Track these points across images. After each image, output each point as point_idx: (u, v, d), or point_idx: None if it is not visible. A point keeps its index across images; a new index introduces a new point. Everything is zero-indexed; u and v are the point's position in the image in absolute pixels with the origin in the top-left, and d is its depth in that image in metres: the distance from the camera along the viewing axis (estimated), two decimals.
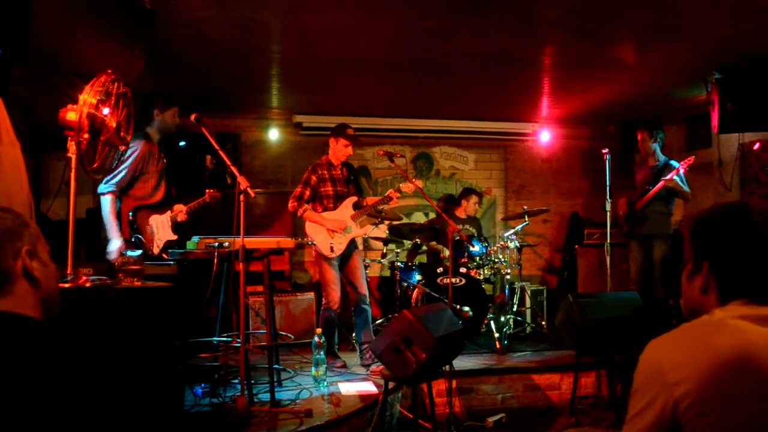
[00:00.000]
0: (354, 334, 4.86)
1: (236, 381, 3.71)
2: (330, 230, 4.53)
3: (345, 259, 4.65)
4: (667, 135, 5.79)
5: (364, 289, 4.68)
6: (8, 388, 1.06)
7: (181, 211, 4.05)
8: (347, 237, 4.58)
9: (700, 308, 1.25)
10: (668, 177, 5.09)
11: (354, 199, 4.70)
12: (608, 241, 5.17)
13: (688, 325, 1.20)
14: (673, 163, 5.27)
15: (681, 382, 1.09)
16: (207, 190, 4.06)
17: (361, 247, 5.85)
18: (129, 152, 3.69)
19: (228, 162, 3.53)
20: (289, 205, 4.58)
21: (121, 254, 2.71)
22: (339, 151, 4.65)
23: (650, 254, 5.39)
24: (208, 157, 6.64)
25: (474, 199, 6.43)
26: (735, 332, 1.13)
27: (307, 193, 4.58)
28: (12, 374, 1.07)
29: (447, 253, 5.83)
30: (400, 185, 4.65)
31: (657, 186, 5.19)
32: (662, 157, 5.45)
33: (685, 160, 5.12)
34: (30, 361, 1.11)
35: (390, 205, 4.73)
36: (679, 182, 5.13)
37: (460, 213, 6.41)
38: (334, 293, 4.52)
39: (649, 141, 5.43)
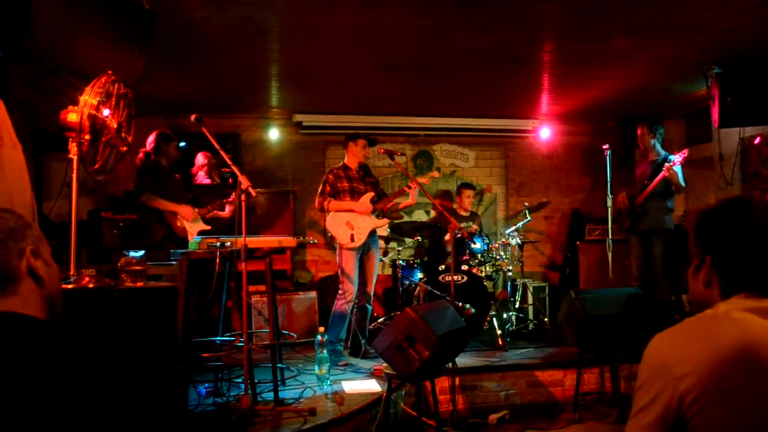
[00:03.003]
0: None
1: (240, 380, 3.71)
2: (349, 222, 4.76)
3: (364, 254, 4.88)
4: (667, 130, 5.79)
5: (371, 290, 4.94)
6: (14, 388, 1.06)
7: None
8: (366, 228, 4.80)
9: (705, 302, 1.25)
10: (666, 166, 5.11)
11: (371, 194, 4.93)
12: (610, 236, 5.17)
13: (692, 319, 1.20)
14: (671, 157, 5.29)
15: (686, 375, 1.09)
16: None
17: None
18: None
19: (229, 162, 3.54)
20: (316, 203, 4.94)
21: (124, 255, 2.71)
22: (359, 152, 4.98)
23: (651, 250, 5.40)
24: None
25: (467, 192, 6.40)
26: (739, 325, 1.13)
27: (328, 188, 4.89)
28: (18, 374, 1.08)
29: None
30: (417, 178, 4.93)
31: (656, 179, 5.20)
32: (662, 152, 5.46)
33: (680, 153, 5.14)
34: (35, 361, 1.11)
35: (405, 201, 5.02)
36: (678, 173, 5.15)
37: (459, 210, 6.40)
38: (351, 286, 4.72)
39: (648, 136, 5.46)
